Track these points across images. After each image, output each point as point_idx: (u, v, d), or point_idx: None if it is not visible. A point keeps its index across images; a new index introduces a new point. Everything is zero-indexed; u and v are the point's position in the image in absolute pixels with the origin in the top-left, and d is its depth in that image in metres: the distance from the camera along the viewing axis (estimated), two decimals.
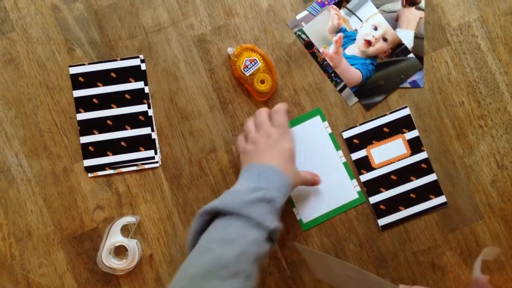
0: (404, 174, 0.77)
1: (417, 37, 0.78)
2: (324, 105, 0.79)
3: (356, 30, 0.79)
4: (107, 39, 0.79)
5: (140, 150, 0.78)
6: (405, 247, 0.77)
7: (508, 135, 0.78)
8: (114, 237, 0.76)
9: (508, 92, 0.78)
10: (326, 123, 0.78)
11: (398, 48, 0.78)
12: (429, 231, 0.77)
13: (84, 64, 0.79)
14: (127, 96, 0.79)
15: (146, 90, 0.79)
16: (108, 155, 0.78)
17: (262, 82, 0.76)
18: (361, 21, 0.79)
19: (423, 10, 0.79)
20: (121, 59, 0.79)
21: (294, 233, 0.77)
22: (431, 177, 0.77)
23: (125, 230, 0.77)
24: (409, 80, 0.78)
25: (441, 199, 0.77)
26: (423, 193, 0.77)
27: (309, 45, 0.79)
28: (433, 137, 0.78)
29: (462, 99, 0.78)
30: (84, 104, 0.78)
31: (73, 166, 0.78)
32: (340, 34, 0.79)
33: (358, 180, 0.77)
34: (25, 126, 0.78)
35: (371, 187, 0.77)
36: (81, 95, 0.79)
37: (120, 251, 0.76)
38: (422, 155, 0.78)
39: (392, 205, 0.77)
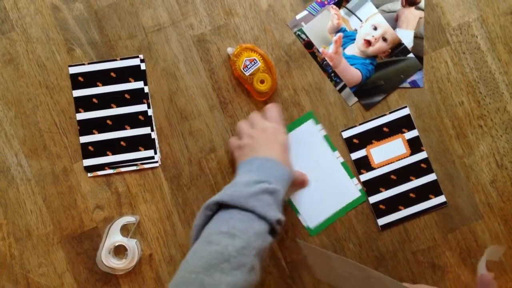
0: (403, 174, 0.77)
1: (417, 37, 0.79)
2: (323, 105, 0.79)
3: (356, 30, 0.79)
4: (107, 39, 0.79)
5: (139, 150, 0.78)
6: (405, 247, 0.77)
7: (508, 135, 0.78)
8: (114, 237, 0.76)
9: (507, 92, 0.78)
10: (319, 126, 0.77)
11: (397, 48, 0.78)
12: (428, 230, 0.77)
13: (83, 64, 0.79)
14: (126, 96, 0.79)
15: (146, 90, 0.79)
16: (108, 155, 0.78)
17: (262, 82, 0.76)
18: (361, 21, 0.79)
19: (422, 10, 0.79)
20: (121, 59, 0.79)
21: (294, 232, 0.77)
22: (431, 177, 0.77)
23: (125, 230, 0.77)
24: (409, 80, 0.78)
25: (441, 198, 0.77)
26: (422, 193, 0.77)
27: (308, 45, 0.79)
28: (432, 137, 0.78)
29: (462, 99, 0.78)
30: (84, 104, 0.78)
31: (73, 166, 0.78)
32: (340, 34, 0.79)
33: (358, 178, 0.78)
34: (24, 126, 0.78)
35: (370, 187, 0.77)
36: (81, 95, 0.79)
37: (119, 251, 0.76)
38: (422, 155, 0.78)
39: (392, 204, 0.77)
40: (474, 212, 0.77)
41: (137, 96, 0.79)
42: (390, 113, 0.78)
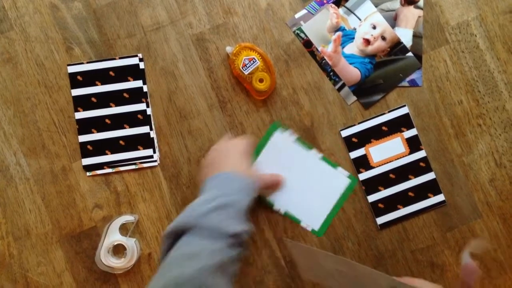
0: (402, 173, 0.77)
1: (416, 36, 0.79)
2: (322, 104, 0.79)
3: (355, 29, 0.79)
4: (106, 38, 0.79)
5: (138, 149, 0.78)
6: (404, 246, 0.77)
7: (507, 133, 0.78)
8: (113, 236, 0.75)
9: (506, 90, 0.78)
10: (288, 131, 0.77)
11: (396, 47, 0.78)
12: (427, 229, 0.77)
13: (82, 63, 0.79)
14: (125, 95, 0.79)
15: (145, 89, 0.79)
16: (107, 154, 0.78)
17: (261, 81, 0.76)
18: (360, 20, 0.79)
19: (421, 8, 0.79)
20: (120, 58, 0.79)
21: (293, 231, 0.77)
22: (430, 176, 0.77)
23: (124, 229, 0.77)
24: (408, 78, 0.78)
25: (440, 197, 0.77)
26: (421, 192, 0.77)
27: (307, 43, 0.79)
28: (431, 136, 0.78)
29: (461, 98, 0.78)
30: (83, 103, 0.78)
31: (72, 165, 0.78)
32: (339, 33, 0.79)
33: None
34: (23, 125, 0.78)
35: (369, 186, 0.77)
36: (80, 94, 0.78)
37: (118, 250, 0.76)
38: (421, 154, 0.78)
39: (391, 203, 0.77)
40: (473, 211, 0.77)
41: (136, 95, 0.79)
42: (389, 112, 0.78)
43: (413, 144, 0.78)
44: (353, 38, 0.79)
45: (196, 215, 0.61)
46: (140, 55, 0.79)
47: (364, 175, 0.78)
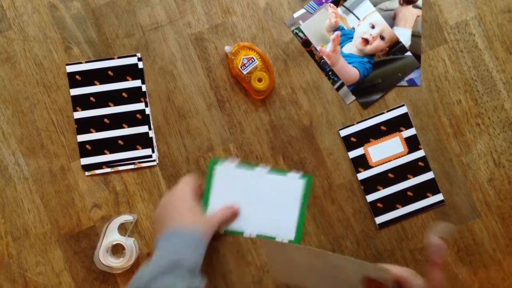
0: (401, 172, 0.77)
1: (415, 35, 0.79)
2: (321, 103, 0.79)
3: (354, 29, 0.79)
4: (104, 37, 0.79)
5: (137, 149, 0.78)
6: (402, 245, 0.77)
7: (505, 133, 0.78)
8: (112, 236, 0.75)
9: (505, 90, 0.78)
10: (227, 161, 0.77)
11: (395, 46, 0.78)
12: (426, 229, 0.77)
13: (81, 63, 0.79)
14: (124, 94, 0.79)
15: (143, 88, 0.79)
16: (105, 154, 0.78)
17: (260, 80, 0.76)
18: (359, 19, 0.79)
19: (420, 8, 0.79)
20: (118, 58, 0.79)
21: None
22: (428, 175, 0.77)
23: (123, 229, 0.77)
24: (407, 78, 0.78)
25: (438, 197, 0.77)
26: (420, 191, 0.77)
27: (306, 43, 0.79)
28: (430, 135, 0.78)
29: (459, 97, 0.78)
30: (81, 102, 0.78)
31: (70, 165, 0.78)
32: (338, 33, 0.79)
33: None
34: (22, 124, 0.78)
35: (368, 185, 0.77)
36: (78, 93, 0.78)
37: (117, 250, 0.76)
38: (419, 153, 0.78)
39: (389, 203, 0.77)
40: (472, 210, 0.77)
41: (135, 95, 0.78)
42: (387, 111, 0.78)
43: (412, 144, 0.78)
44: (352, 37, 0.79)
45: (146, 280, 0.60)
46: (138, 55, 0.79)
47: (363, 175, 0.78)
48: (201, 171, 0.78)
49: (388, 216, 0.77)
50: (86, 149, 0.78)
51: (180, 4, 0.79)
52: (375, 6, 0.79)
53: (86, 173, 0.78)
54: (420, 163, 0.77)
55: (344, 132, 0.78)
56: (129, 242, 0.75)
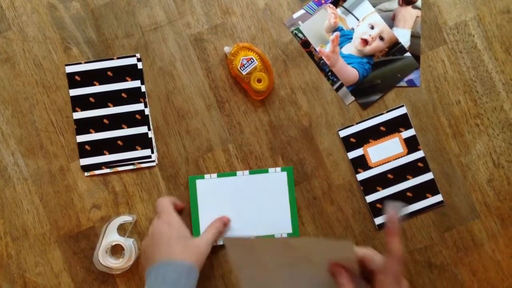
0: (400, 173, 0.77)
1: (414, 36, 0.79)
2: (320, 104, 0.79)
3: (353, 29, 0.79)
4: (104, 37, 0.79)
5: (136, 149, 0.78)
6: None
7: (505, 134, 0.78)
8: (111, 236, 0.75)
9: (504, 91, 0.78)
10: (206, 176, 0.77)
11: (394, 47, 0.79)
12: (425, 229, 0.77)
13: (80, 63, 0.79)
14: (123, 95, 0.78)
15: (143, 89, 0.79)
16: (105, 154, 0.78)
17: (259, 81, 0.76)
18: (358, 20, 0.79)
19: (419, 9, 0.79)
20: (118, 58, 0.79)
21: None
22: (428, 176, 0.77)
23: (122, 229, 0.77)
24: (406, 79, 0.78)
25: (438, 197, 0.77)
26: (419, 192, 0.77)
27: (305, 44, 0.79)
28: (429, 136, 0.78)
29: (459, 98, 0.78)
30: (81, 103, 0.78)
31: (70, 165, 0.78)
32: (337, 33, 0.79)
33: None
34: (21, 125, 0.78)
35: (368, 186, 0.77)
36: (78, 94, 0.78)
37: (116, 250, 0.76)
38: (419, 154, 0.78)
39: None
40: (471, 211, 0.77)
41: (134, 95, 0.78)
42: (387, 112, 0.78)
43: (411, 144, 0.78)
44: (351, 38, 0.79)
45: None
46: (138, 55, 0.79)
47: (362, 175, 0.78)
48: (201, 171, 0.78)
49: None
50: (85, 150, 0.78)
51: (180, 4, 0.79)
52: (374, 6, 0.79)
53: (86, 174, 0.78)
54: (420, 164, 0.77)
55: (343, 133, 0.78)
56: (128, 243, 0.75)
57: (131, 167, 0.78)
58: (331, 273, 0.57)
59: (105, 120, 0.78)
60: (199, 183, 0.77)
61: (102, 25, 0.79)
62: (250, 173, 0.77)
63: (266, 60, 0.77)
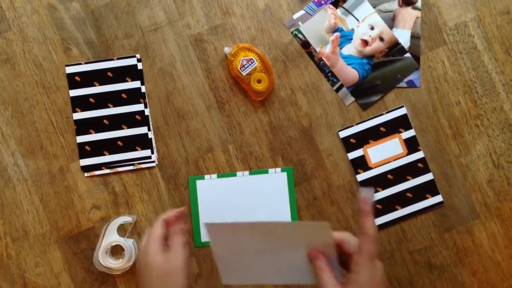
0: (400, 174, 0.77)
1: (414, 37, 0.79)
2: (320, 105, 0.79)
3: (353, 30, 0.79)
4: (104, 38, 0.79)
5: (136, 150, 0.78)
6: (402, 247, 0.77)
7: (505, 134, 0.78)
8: (111, 237, 0.75)
9: (504, 91, 0.78)
10: (205, 177, 0.77)
11: (394, 48, 0.79)
12: (425, 230, 0.77)
13: (80, 64, 0.79)
14: (123, 95, 0.79)
15: (143, 89, 0.79)
16: (105, 155, 0.78)
17: (259, 81, 0.76)
18: (358, 20, 0.79)
19: (419, 9, 0.79)
20: (118, 59, 0.79)
21: None
22: (428, 177, 0.77)
23: (122, 230, 0.77)
24: (406, 79, 0.78)
25: (438, 198, 0.77)
26: (419, 193, 0.77)
27: (305, 44, 0.79)
28: (429, 137, 0.78)
29: (459, 99, 0.78)
30: (81, 103, 0.78)
31: (70, 166, 0.78)
32: (337, 34, 0.79)
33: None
34: (21, 125, 0.78)
35: (367, 186, 0.77)
36: (78, 94, 0.78)
37: (116, 251, 0.76)
38: (419, 155, 0.78)
39: (389, 204, 0.77)
40: (471, 211, 0.77)
41: (134, 96, 0.79)
42: (387, 112, 0.78)
43: (411, 145, 0.78)
44: (351, 39, 0.79)
45: None
46: (138, 56, 0.79)
47: (362, 176, 0.78)
48: (201, 172, 0.78)
49: (388, 218, 0.77)
50: (85, 150, 0.78)
51: (180, 5, 0.79)
52: (374, 7, 0.79)
53: (85, 174, 0.78)
54: (420, 164, 0.77)
55: (343, 133, 0.78)
56: (128, 243, 0.75)
57: (131, 167, 0.78)
58: (310, 258, 0.58)
59: (105, 121, 0.78)
60: (199, 183, 0.77)
61: (102, 25, 0.79)
62: (250, 173, 0.78)
63: (266, 60, 0.77)
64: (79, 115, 0.78)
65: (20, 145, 0.78)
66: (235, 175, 0.78)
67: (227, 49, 0.77)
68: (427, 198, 0.77)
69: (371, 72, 0.79)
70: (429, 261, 0.77)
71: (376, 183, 0.77)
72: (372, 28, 0.79)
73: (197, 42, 0.79)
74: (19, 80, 0.78)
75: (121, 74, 0.79)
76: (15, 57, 0.78)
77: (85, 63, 0.79)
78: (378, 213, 0.77)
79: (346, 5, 0.79)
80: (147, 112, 0.78)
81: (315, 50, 0.79)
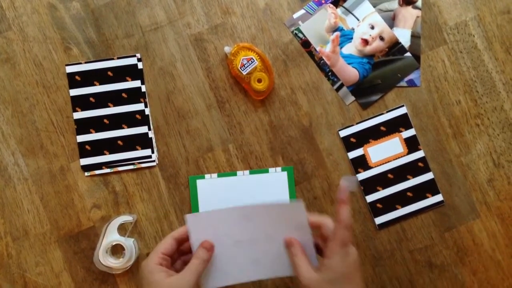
0: (401, 173, 0.77)
1: (414, 36, 0.79)
2: (321, 104, 0.79)
3: (353, 29, 0.79)
4: (104, 38, 0.79)
5: (137, 149, 0.78)
6: (402, 246, 0.77)
7: (505, 133, 0.78)
8: (111, 236, 0.75)
9: (504, 91, 0.78)
10: (206, 176, 0.77)
11: (395, 47, 0.79)
12: (425, 229, 0.77)
13: (80, 63, 0.79)
14: (124, 95, 0.79)
15: (143, 89, 0.79)
16: (105, 154, 0.78)
17: (259, 81, 0.76)
18: (358, 20, 0.79)
19: (420, 9, 0.79)
20: (118, 58, 0.79)
21: None
22: (428, 176, 0.77)
23: (122, 229, 0.77)
24: (406, 79, 0.78)
25: (438, 197, 0.77)
26: (420, 192, 0.77)
27: (306, 44, 0.79)
28: (429, 136, 0.78)
29: (459, 98, 0.78)
30: (81, 103, 0.78)
31: (70, 165, 0.78)
32: (337, 33, 0.79)
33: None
34: (21, 125, 0.78)
35: (368, 186, 0.77)
36: (78, 94, 0.78)
37: (117, 250, 0.76)
38: (419, 154, 0.78)
39: (389, 203, 0.77)
40: (471, 211, 0.77)
41: (134, 95, 0.79)
42: (387, 112, 0.78)
43: (411, 144, 0.78)
44: (351, 38, 0.79)
45: None
46: (138, 55, 0.79)
47: (362, 175, 0.78)
48: (201, 171, 0.78)
49: (388, 217, 0.77)
50: (85, 150, 0.78)
51: (180, 4, 0.79)
52: (374, 7, 0.79)
53: (86, 174, 0.78)
54: (420, 164, 0.77)
55: (343, 133, 0.78)
56: (128, 243, 0.75)
57: (131, 167, 0.78)
58: (285, 245, 0.60)
59: (105, 120, 0.78)
60: (199, 183, 0.77)
61: (102, 25, 0.79)
62: (251, 173, 0.78)
63: (266, 60, 0.77)
64: (80, 115, 0.78)
65: (20, 144, 0.78)
66: (235, 174, 0.78)
67: (227, 49, 0.77)
68: (427, 197, 0.77)
69: (371, 72, 0.79)
70: (430, 260, 0.77)
71: (377, 182, 0.78)
72: (373, 28, 0.79)
73: (197, 42, 0.79)
74: (19, 79, 0.78)
75: (121, 73, 0.79)
76: (15, 57, 0.79)
77: (85, 62, 0.79)
78: (378, 212, 0.77)
79: (346, 4, 0.79)
80: (147, 111, 0.78)
81: (315, 50, 0.79)
